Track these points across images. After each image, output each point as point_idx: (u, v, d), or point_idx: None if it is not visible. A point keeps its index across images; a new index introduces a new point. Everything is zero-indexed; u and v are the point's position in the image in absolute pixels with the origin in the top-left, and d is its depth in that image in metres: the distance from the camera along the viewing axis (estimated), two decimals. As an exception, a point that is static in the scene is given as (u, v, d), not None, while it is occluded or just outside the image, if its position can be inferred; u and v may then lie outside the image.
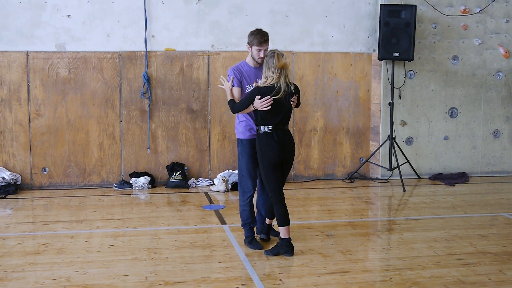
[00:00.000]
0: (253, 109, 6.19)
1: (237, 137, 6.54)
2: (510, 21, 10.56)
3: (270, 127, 6.15)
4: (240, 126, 6.48)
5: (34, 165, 9.54)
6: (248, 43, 6.40)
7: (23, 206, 8.62)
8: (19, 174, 9.47)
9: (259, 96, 6.10)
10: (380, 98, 10.23)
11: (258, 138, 6.24)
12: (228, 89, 6.40)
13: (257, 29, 6.42)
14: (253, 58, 6.40)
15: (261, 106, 6.08)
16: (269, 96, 6.08)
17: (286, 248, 6.17)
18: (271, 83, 6.13)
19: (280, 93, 6.10)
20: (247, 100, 6.22)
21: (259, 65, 6.42)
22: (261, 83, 6.25)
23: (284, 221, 6.18)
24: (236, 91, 6.39)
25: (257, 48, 6.33)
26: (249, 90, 6.36)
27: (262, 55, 6.35)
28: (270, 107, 6.09)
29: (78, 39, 9.52)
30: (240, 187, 6.57)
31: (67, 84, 9.51)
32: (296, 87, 6.34)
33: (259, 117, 6.19)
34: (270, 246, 6.40)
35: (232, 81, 6.38)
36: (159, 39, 9.72)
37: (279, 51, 6.20)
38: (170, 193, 9.36)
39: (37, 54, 9.41)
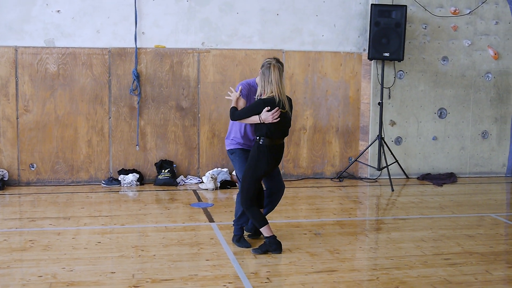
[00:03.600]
0: (258, 122, 6.07)
1: (228, 148, 6.54)
2: (500, 22, 10.60)
3: (272, 140, 6.09)
4: (232, 142, 6.51)
5: (22, 161, 9.49)
6: (261, 66, 6.22)
7: (10, 202, 8.58)
8: (6, 170, 9.42)
9: (268, 108, 6.01)
10: (370, 97, 10.24)
11: (257, 147, 6.12)
12: (235, 98, 6.29)
13: (275, 58, 6.26)
14: None
15: (272, 118, 6.00)
16: (277, 108, 6.02)
17: (274, 245, 6.17)
18: (269, 95, 6.07)
19: (286, 107, 6.08)
20: (250, 111, 6.10)
21: None
22: (257, 94, 6.20)
23: (262, 221, 6.17)
24: (242, 101, 6.31)
25: None
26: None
27: None
28: (279, 118, 6.03)
29: (68, 35, 9.47)
30: (237, 198, 6.51)
31: (56, 80, 9.46)
32: (290, 99, 6.31)
33: (264, 129, 6.06)
34: (258, 245, 6.39)
35: (240, 91, 6.31)
36: (149, 35, 9.69)
37: (276, 62, 6.11)
38: (159, 190, 9.33)
39: (26, 49, 9.36)
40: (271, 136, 6.09)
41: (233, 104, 6.28)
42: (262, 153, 6.10)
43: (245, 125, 6.40)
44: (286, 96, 6.19)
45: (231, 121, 6.50)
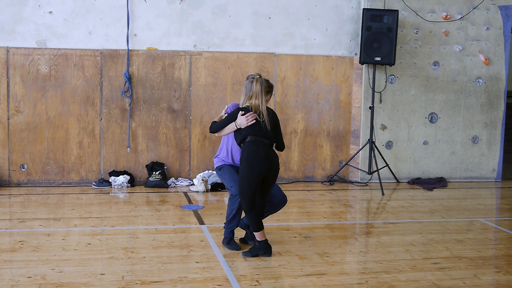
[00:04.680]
0: (235, 128, 6.12)
1: (216, 166, 6.62)
2: (491, 28, 10.66)
3: (255, 137, 6.07)
4: (219, 159, 6.61)
5: (12, 161, 9.47)
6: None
7: (0, 203, 8.54)
8: (-3, 170, 9.41)
9: (243, 112, 6.06)
10: (361, 102, 10.28)
11: (244, 150, 6.12)
12: (219, 116, 6.42)
13: (264, 80, 6.41)
14: None
15: (246, 121, 6.03)
16: (252, 112, 6.06)
17: (264, 249, 6.18)
18: (246, 105, 6.13)
19: (261, 116, 6.09)
20: (227, 119, 6.19)
21: None
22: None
23: (258, 227, 6.18)
24: None
25: None
26: None
27: None
28: (254, 121, 6.04)
29: (60, 36, 9.46)
30: (229, 201, 6.52)
31: (48, 81, 9.45)
32: (274, 113, 6.28)
33: (243, 133, 6.09)
34: (248, 247, 6.40)
35: (226, 110, 6.41)
36: (141, 38, 9.69)
37: (260, 76, 6.15)
38: (149, 192, 9.33)
39: (18, 50, 9.35)
40: (251, 134, 6.09)
41: (215, 120, 6.37)
42: (249, 149, 6.06)
43: (232, 146, 6.48)
44: (270, 109, 6.22)
45: (222, 140, 6.63)
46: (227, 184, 6.51)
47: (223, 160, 6.58)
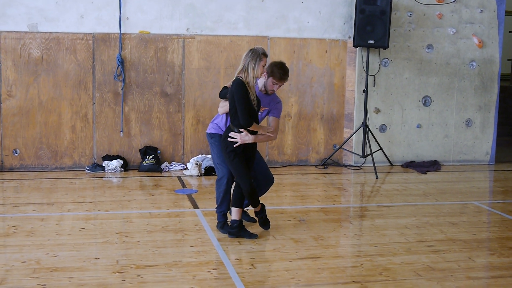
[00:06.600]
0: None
1: (209, 131, 6.57)
2: (485, 11, 10.63)
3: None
4: (215, 126, 6.54)
5: (5, 146, 9.41)
6: (267, 71, 6.38)
7: (-7, 188, 8.53)
8: (-11, 155, 9.36)
9: None
10: (355, 85, 10.25)
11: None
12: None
13: (281, 63, 6.41)
14: (265, 87, 6.44)
15: None
16: None
17: (231, 229, 6.24)
18: None
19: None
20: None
21: (266, 93, 6.46)
22: None
23: (236, 202, 6.22)
24: None
25: (274, 81, 6.37)
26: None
27: (275, 89, 6.42)
28: None
29: (51, 20, 9.37)
30: (216, 185, 6.53)
31: (40, 65, 9.38)
32: (233, 83, 6.06)
33: None
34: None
35: None
36: (134, 21, 9.61)
37: (250, 49, 6.09)
38: (143, 176, 9.31)
39: (9, 34, 9.26)
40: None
41: (227, 85, 6.38)
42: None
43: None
44: (233, 82, 6.11)
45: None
46: (214, 161, 6.50)
47: (219, 128, 6.50)
